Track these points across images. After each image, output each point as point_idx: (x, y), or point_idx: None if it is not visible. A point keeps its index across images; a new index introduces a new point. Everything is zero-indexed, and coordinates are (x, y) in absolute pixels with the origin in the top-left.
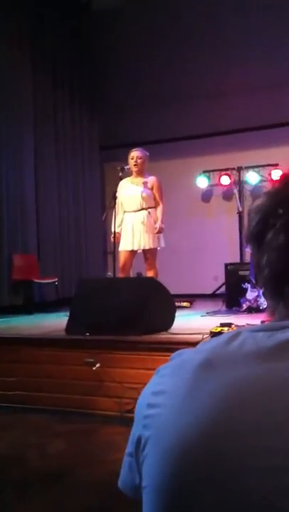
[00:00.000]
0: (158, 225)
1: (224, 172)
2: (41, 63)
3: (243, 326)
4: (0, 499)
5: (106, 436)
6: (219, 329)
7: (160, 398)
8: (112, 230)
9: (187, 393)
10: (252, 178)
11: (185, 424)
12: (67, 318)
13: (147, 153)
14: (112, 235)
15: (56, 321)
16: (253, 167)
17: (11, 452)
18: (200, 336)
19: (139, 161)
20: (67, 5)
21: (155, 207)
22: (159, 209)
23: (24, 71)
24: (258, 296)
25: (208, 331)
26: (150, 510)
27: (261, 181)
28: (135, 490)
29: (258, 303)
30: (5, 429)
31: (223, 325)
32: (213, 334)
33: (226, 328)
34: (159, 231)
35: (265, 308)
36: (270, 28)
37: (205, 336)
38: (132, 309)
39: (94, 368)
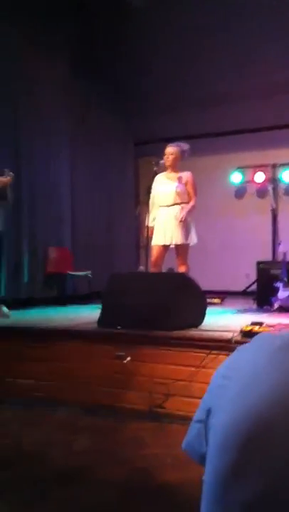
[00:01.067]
0: (182, 214)
1: (259, 169)
2: (78, 60)
3: (274, 325)
4: (22, 496)
5: (133, 432)
6: (250, 328)
7: (234, 372)
8: (146, 225)
9: (261, 370)
10: (286, 176)
11: (256, 398)
12: (100, 310)
13: (185, 148)
14: (146, 230)
15: (89, 314)
16: (287, 164)
17: (37, 448)
18: (230, 334)
19: (170, 157)
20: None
21: (188, 202)
22: (190, 203)
23: (61, 69)
24: None
25: (239, 329)
26: (211, 465)
27: None
28: (201, 457)
29: None
30: (32, 424)
31: (254, 323)
32: (244, 333)
33: (256, 327)
34: (181, 220)
35: None
36: None
37: (236, 334)
38: (163, 305)
39: (124, 362)
